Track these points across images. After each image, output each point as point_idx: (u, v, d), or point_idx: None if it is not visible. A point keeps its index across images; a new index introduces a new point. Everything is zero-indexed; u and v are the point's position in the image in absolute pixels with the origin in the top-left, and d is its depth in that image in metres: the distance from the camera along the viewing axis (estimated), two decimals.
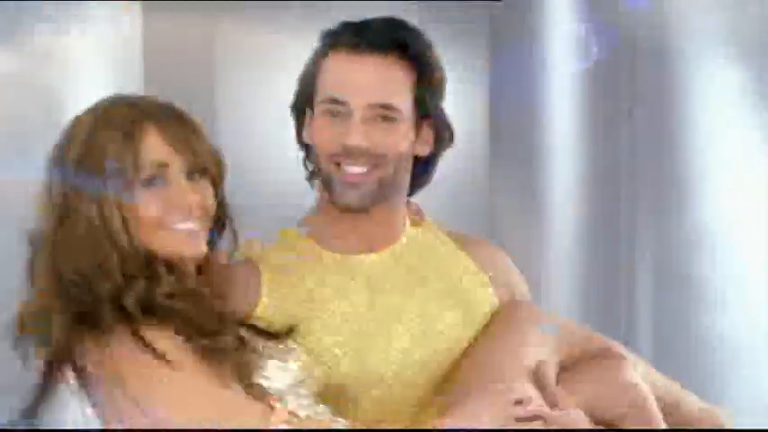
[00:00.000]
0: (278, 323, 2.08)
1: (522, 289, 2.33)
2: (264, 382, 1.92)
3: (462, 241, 2.31)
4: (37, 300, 1.90)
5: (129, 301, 1.85)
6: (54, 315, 1.86)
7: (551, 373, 2.08)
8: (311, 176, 2.23)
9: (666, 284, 4.13)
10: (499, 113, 4.41)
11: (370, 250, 2.22)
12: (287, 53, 4.14)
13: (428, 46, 2.19)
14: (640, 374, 2.20)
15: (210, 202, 1.97)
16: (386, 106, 2.13)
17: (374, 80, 2.13)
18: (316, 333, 2.13)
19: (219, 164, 1.99)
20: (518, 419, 1.93)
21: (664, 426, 2.15)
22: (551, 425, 1.96)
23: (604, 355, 2.20)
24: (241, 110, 4.60)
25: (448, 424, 1.91)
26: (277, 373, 1.95)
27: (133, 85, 3.61)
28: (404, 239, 2.25)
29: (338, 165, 2.14)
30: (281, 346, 2.01)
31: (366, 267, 2.21)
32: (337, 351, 2.13)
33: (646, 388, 2.16)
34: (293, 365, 1.98)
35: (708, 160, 4.12)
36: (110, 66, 3.64)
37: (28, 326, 1.89)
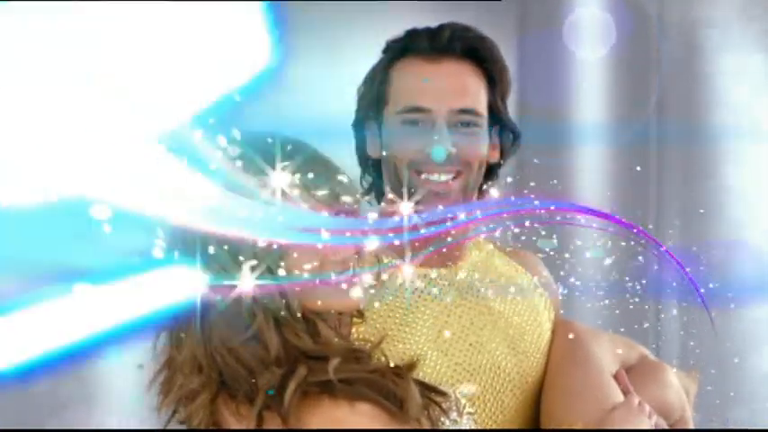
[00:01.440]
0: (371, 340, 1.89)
1: (555, 288, 2.32)
2: None
3: (503, 250, 2.28)
4: (185, 379, 1.75)
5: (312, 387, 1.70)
6: (205, 396, 1.74)
7: (629, 383, 2.12)
8: (368, 191, 2.19)
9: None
10: (527, 101, 4.39)
11: (449, 263, 2.16)
12: None
13: (498, 51, 2.14)
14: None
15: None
16: (469, 111, 2.09)
17: (455, 86, 2.08)
18: (401, 350, 2.05)
19: (356, 195, 1.82)
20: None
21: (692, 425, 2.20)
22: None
23: (644, 362, 2.21)
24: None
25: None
26: (455, 427, 1.84)
27: None
28: (476, 251, 2.21)
29: (419, 174, 2.09)
30: (442, 398, 1.82)
31: (451, 279, 2.15)
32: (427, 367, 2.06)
33: (683, 391, 2.20)
34: (466, 420, 1.87)
35: (738, 150, 4.10)
36: None
37: (176, 404, 1.77)
